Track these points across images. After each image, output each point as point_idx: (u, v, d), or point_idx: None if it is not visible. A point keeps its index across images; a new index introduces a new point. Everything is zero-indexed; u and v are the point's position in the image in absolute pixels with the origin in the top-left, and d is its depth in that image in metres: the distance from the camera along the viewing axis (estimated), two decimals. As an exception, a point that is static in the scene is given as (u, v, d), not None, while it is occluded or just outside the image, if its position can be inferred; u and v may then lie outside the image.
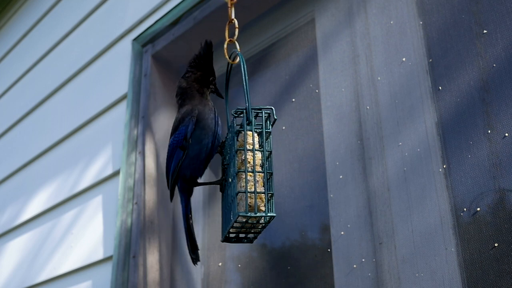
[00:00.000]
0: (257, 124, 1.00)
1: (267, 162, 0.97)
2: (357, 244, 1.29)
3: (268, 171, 0.97)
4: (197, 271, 1.72)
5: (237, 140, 1.00)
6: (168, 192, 1.86)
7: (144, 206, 1.78)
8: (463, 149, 1.18)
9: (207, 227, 1.75)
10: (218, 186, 1.13)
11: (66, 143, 2.30)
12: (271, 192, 0.96)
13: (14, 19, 3.02)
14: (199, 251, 1.17)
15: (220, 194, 1.14)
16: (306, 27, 1.65)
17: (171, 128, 1.20)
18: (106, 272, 1.84)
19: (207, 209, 1.78)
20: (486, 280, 1.07)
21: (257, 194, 0.95)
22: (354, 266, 1.28)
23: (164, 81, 1.98)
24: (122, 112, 2.02)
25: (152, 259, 1.73)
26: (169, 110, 1.96)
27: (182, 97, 1.18)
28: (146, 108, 1.90)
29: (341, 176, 1.37)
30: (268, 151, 0.98)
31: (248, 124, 0.98)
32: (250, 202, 0.94)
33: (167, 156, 1.17)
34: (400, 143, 1.28)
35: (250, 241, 1.05)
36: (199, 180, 1.17)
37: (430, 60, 1.30)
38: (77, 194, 2.12)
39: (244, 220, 0.95)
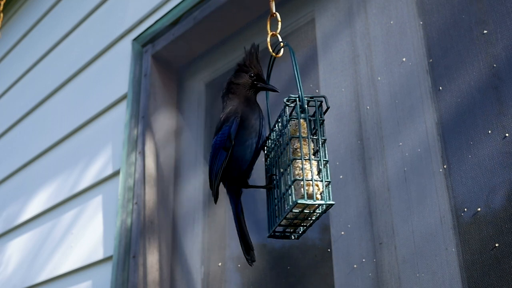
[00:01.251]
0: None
1: (322, 150, 0.96)
2: (357, 244, 1.29)
3: (324, 159, 0.95)
4: (197, 271, 1.72)
5: (287, 129, 0.99)
6: (168, 192, 1.87)
7: (144, 206, 1.78)
8: (463, 149, 1.18)
9: (207, 227, 1.75)
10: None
11: (66, 143, 2.29)
12: (328, 180, 0.94)
13: (14, 19, 3.02)
14: (253, 252, 1.14)
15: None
16: (306, 27, 1.65)
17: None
18: (106, 272, 1.84)
19: (207, 209, 1.78)
20: (486, 280, 1.07)
21: (314, 182, 0.93)
22: (354, 266, 1.28)
23: (164, 81, 1.98)
24: (122, 112, 2.02)
25: (152, 259, 1.73)
26: (169, 110, 1.96)
27: (226, 98, 1.17)
28: (146, 108, 1.90)
29: (341, 176, 1.37)
30: (322, 138, 0.96)
31: (302, 112, 0.97)
32: (307, 190, 0.92)
33: (210, 156, 1.16)
34: (400, 143, 1.28)
35: (297, 236, 1.03)
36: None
37: (430, 60, 1.30)
38: (77, 194, 2.12)
39: (299, 209, 0.93)
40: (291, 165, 0.95)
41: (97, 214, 1.98)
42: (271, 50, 1.09)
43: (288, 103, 0.98)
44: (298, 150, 0.96)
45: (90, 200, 2.04)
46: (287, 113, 1.00)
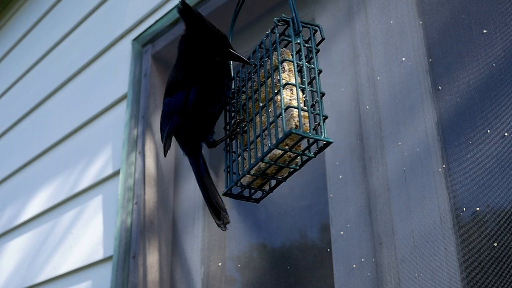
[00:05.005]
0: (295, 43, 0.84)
1: (318, 81, 0.82)
2: (356, 244, 1.29)
3: (320, 91, 0.81)
4: (197, 271, 1.72)
5: (277, 53, 0.84)
6: (168, 192, 1.87)
7: (144, 206, 1.78)
8: (462, 149, 1.18)
9: (207, 227, 1.75)
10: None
11: (66, 143, 2.30)
12: (325, 115, 0.79)
13: (14, 19, 3.02)
14: (225, 212, 0.98)
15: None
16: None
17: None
18: (106, 272, 1.84)
19: (207, 209, 1.78)
20: (485, 280, 1.07)
21: (305, 114, 0.77)
22: (354, 266, 1.28)
23: (164, 81, 1.98)
24: (122, 112, 2.02)
25: (152, 259, 1.73)
26: (169, 110, 1.96)
27: (184, 53, 0.98)
28: (146, 108, 1.90)
29: (340, 176, 1.37)
30: (318, 69, 0.83)
31: (296, 35, 0.83)
32: (303, 122, 0.76)
33: (162, 114, 1.02)
34: (400, 143, 1.28)
35: (260, 198, 0.89)
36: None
37: (430, 60, 1.30)
38: (77, 194, 2.12)
39: (286, 147, 0.77)
40: (282, 92, 0.79)
41: (97, 214, 1.98)
42: None
43: (279, 24, 0.85)
44: (286, 79, 0.81)
45: (90, 200, 2.04)
46: (277, 36, 0.84)
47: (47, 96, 2.52)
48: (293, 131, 0.74)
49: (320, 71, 0.83)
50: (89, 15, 2.40)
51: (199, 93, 0.94)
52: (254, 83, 0.90)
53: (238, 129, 0.90)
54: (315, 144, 0.79)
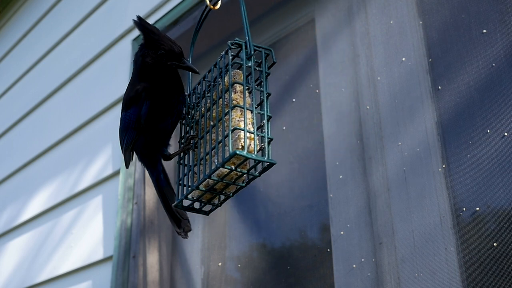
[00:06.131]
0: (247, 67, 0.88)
1: (266, 104, 0.86)
2: (356, 244, 1.29)
3: (267, 114, 0.85)
4: (197, 271, 1.72)
5: (228, 75, 0.89)
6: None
7: (144, 206, 1.78)
8: (462, 148, 1.18)
9: (207, 227, 1.75)
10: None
11: (66, 143, 2.30)
12: (270, 137, 0.84)
13: (14, 19, 3.02)
14: (187, 221, 1.03)
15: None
16: (306, 27, 1.65)
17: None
18: (106, 272, 1.84)
19: (207, 209, 1.78)
20: (485, 279, 1.07)
21: (251, 136, 0.82)
22: (354, 266, 1.28)
23: (164, 81, 1.98)
24: (122, 112, 2.02)
25: (152, 259, 1.73)
26: (169, 110, 1.96)
27: (138, 68, 1.04)
28: (146, 108, 1.90)
29: (341, 176, 1.37)
30: (267, 92, 0.87)
31: (248, 59, 0.87)
32: (248, 143, 0.81)
33: (120, 127, 1.07)
34: (400, 143, 1.28)
35: (209, 211, 0.92)
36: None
37: (430, 60, 1.30)
38: (77, 194, 2.12)
39: (232, 166, 0.81)
40: (230, 113, 0.83)
41: (97, 214, 1.98)
42: (207, 1, 1.02)
43: (233, 46, 0.89)
44: (236, 100, 0.85)
45: (90, 200, 2.04)
46: (229, 58, 0.89)
47: (47, 96, 2.52)
48: (238, 152, 0.79)
49: (269, 94, 0.87)
50: (89, 15, 2.40)
51: (150, 108, 0.99)
52: (208, 101, 0.95)
53: (191, 145, 0.95)
54: (261, 164, 0.84)
